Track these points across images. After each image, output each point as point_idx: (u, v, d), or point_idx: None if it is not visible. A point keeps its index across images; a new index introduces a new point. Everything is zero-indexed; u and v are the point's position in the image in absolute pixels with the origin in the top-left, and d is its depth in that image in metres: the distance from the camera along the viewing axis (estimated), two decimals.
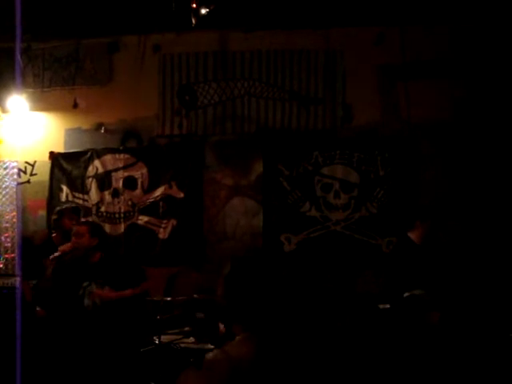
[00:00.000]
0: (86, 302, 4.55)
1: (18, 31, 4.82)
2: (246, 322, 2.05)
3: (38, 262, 4.89)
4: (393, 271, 4.32)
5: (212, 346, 4.24)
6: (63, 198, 6.26)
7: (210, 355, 2.03)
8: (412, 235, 4.49)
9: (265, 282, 2.09)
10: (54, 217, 5.26)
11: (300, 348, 2.07)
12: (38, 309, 4.77)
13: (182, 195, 6.08)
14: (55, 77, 6.33)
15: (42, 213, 6.27)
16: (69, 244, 4.68)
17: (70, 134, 6.36)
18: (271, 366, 1.96)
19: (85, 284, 4.58)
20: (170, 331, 4.61)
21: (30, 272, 4.94)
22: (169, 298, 4.90)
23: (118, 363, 4.32)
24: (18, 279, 4.84)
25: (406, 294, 4.17)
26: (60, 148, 6.35)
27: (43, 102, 6.33)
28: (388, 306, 4.39)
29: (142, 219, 6.14)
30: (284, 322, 2.05)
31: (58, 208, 5.33)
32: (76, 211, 5.25)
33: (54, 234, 5.18)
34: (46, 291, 4.76)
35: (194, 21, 4.96)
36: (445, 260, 4.46)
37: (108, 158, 6.23)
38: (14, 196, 6.25)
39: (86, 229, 4.67)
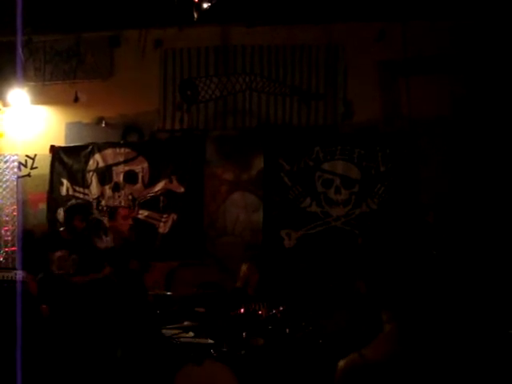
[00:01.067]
0: None
1: (19, 24, 4.81)
2: (397, 308, 1.67)
3: (41, 255, 4.87)
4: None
5: (211, 341, 4.25)
6: (63, 191, 6.26)
7: (343, 362, 1.64)
8: None
9: (420, 260, 1.72)
10: (63, 214, 5.23)
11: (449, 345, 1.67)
12: (43, 306, 4.74)
13: (182, 190, 6.07)
14: (56, 70, 6.32)
15: (43, 206, 6.27)
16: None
17: (71, 127, 6.36)
18: (416, 366, 1.59)
19: None
20: (170, 326, 4.63)
21: (32, 266, 4.93)
22: (169, 293, 4.92)
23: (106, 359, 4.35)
24: (18, 273, 4.82)
25: None
26: (61, 142, 6.35)
27: (44, 96, 6.32)
28: None
29: (143, 213, 6.14)
30: (434, 312, 1.68)
31: (68, 205, 5.27)
32: (85, 211, 5.25)
33: (61, 229, 5.16)
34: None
35: (195, 15, 4.94)
36: (446, 257, 4.45)
37: (109, 152, 6.23)
38: (15, 189, 6.27)
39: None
